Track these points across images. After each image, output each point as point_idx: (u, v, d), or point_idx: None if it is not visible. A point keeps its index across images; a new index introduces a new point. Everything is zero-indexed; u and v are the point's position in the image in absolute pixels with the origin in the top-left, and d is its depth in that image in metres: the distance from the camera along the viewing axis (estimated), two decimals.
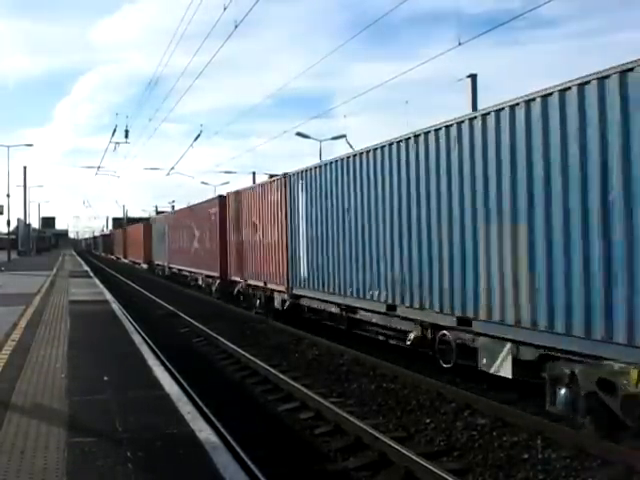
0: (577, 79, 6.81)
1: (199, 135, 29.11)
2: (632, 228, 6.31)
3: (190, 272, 28.19)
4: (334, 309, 13.28)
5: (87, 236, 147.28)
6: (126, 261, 58.04)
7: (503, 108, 7.93)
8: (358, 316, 12.28)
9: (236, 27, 13.90)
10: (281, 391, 9.63)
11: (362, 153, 11.76)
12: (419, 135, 9.76)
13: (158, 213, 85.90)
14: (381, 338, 11.96)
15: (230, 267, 21.01)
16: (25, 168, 59.67)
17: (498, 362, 8.05)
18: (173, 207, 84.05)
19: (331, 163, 13.12)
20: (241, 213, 19.70)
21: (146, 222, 46.78)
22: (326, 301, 13.54)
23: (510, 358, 7.85)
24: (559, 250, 7.08)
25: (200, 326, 15.98)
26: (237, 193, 20.46)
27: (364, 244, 11.60)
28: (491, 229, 8.21)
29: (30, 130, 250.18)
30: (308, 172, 14.24)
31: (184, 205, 36.71)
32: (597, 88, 6.59)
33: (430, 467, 6.06)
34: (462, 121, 8.74)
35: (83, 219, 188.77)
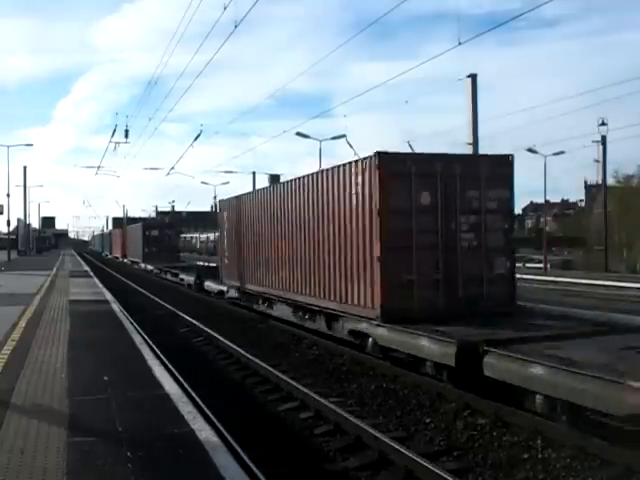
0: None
1: (199, 135, 29.28)
2: None
3: None
4: None
5: (94, 233, 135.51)
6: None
7: None
8: None
9: (236, 27, 13.96)
10: (281, 391, 9.64)
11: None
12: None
13: (158, 213, 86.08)
14: None
15: None
16: (25, 168, 59.82)
17: None
18: (173, 207, 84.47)
19: None
20: None
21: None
22: None
23: None
24: None
25: (200, 326, 15.98)
26: None
27: None
28: None
29: (30, 130, 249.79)
30: None
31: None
32: None
33: (430, 467, 6.06)
34: None
35: (83, 219, 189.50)
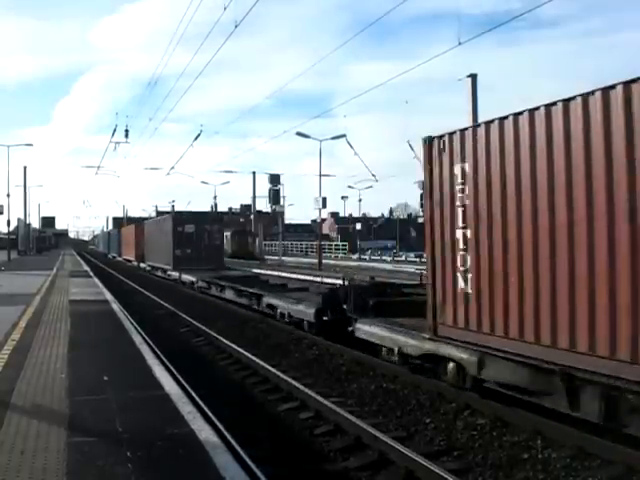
0: None
1: (199, 135, 29.24)
2: None
3: None
4: None
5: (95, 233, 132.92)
6: None
7: None
8: None
9: (236, 27, 14.00)
10: (281, 391, 9.64)
11: None
12: None
13: (158, 213, 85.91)
14: None
15: None
16: (25, 168, 59.70)
17: None
18: (173, 207, 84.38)
19: None
20: None
21: None
22: None
23: None
24: None
25: (200, 326, 15.97)
26: None
27: None
28: None
29: (30, 130, 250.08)
30: None
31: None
32: None
33: (430, 467, 6.07)
34: None
35: (83, 219, 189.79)
